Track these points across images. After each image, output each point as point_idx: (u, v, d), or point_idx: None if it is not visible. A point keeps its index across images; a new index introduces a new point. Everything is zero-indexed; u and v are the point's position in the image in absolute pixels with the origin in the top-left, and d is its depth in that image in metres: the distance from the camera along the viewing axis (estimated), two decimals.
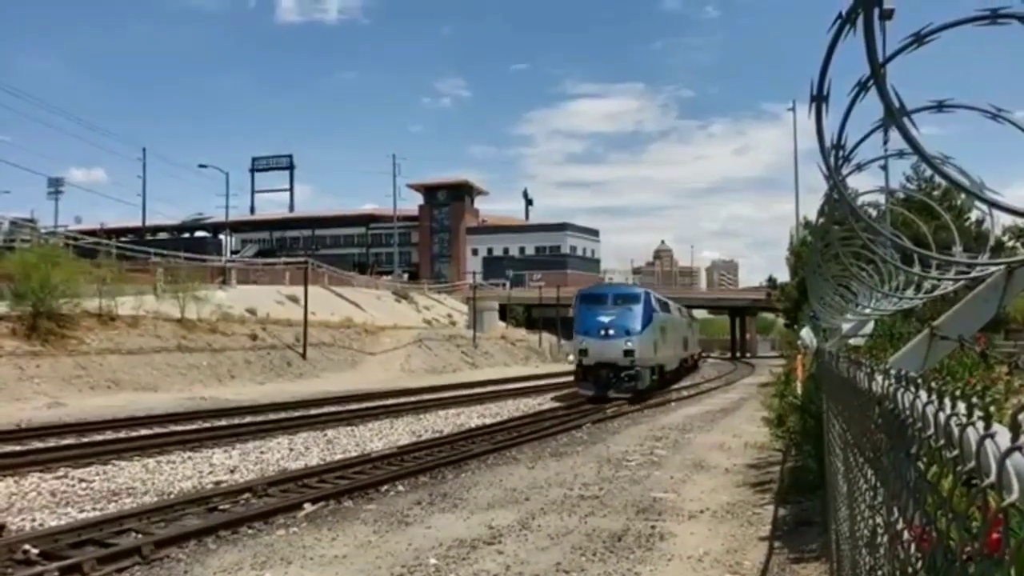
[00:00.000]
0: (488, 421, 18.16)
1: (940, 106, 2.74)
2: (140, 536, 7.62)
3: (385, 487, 10.04)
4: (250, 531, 7.93)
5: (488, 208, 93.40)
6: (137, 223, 66.16)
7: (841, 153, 2.95)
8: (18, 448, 13.48)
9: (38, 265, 26.13)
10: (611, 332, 23.24)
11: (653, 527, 7.55)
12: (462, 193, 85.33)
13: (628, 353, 23.07)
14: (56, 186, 76.52)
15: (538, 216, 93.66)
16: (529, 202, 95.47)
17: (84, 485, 10.61)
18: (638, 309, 24.01)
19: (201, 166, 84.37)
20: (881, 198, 5.43)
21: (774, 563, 6.31)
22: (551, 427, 16.32)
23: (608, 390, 22.64)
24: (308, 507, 8.85)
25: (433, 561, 6.46)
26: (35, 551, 7.02)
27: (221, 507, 8.97)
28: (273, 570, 6.31)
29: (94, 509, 9.27)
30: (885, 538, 1.84)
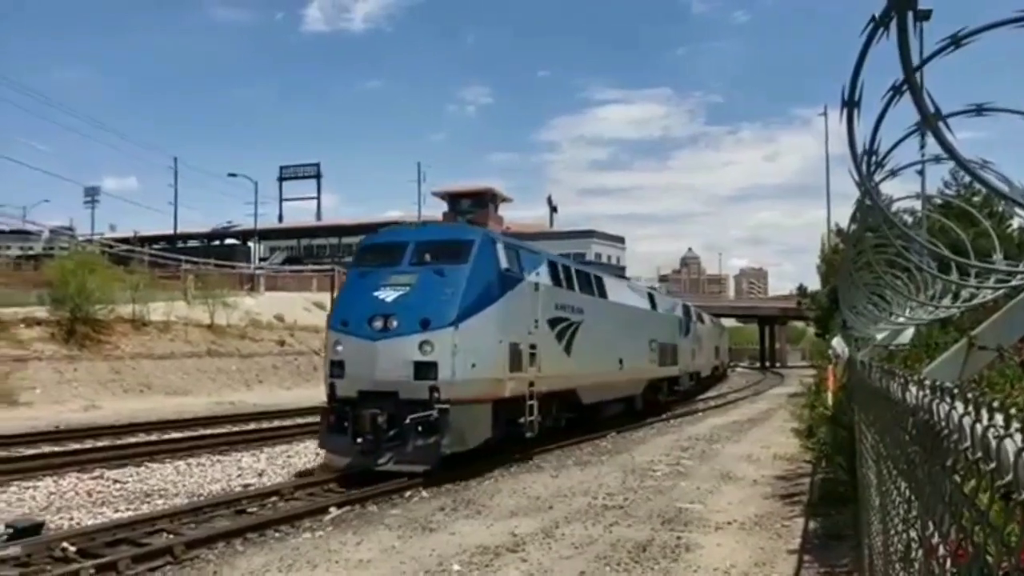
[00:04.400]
0: None
1: (979, 109, 2.67)
2: (171, 536, 7.73)
3: (408, 492, 10.05)
4: (277, 534, 7.99)
5: (513, 215, 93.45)
6: (168, 231, 67.11)
7: (874, 159, 2.90)
8: (57, 449, 13.79)
9: (75, 272, 26.66)
10: (394, 324, 11.02)
11: (679, 538, 7.47)
12: (486, 200, 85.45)
13: (425, 371, 10.82)
14: (92, 195, 77.98)
15: (563, 223, 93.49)
16: (554, 209, 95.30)
17: (118, 486, 10.78)
18: (464, 272, 11.44)
19: (231, 175, 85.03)
20: (918, 204, 5.35)
21: None
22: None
23: (383, 453, 10.72)
24: (333, 511, 8.88)
25: (456, 567, 6.45)
26: (72, 549, 7.17)
27: (249, 510, 9.06)
28: (299, 573, 6.33)
29: (128, 509, 9.43)
30: (920, 553, 1.79)
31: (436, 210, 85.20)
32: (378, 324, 11.08)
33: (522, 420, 12.52)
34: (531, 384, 12.74)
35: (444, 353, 10.87)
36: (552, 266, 14.75)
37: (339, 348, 11.40)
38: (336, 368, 11.38)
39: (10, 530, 7.71)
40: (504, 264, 12.33)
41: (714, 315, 48.70)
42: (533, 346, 12.88)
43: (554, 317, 14.12)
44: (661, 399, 23.36)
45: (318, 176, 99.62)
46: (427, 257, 11.91)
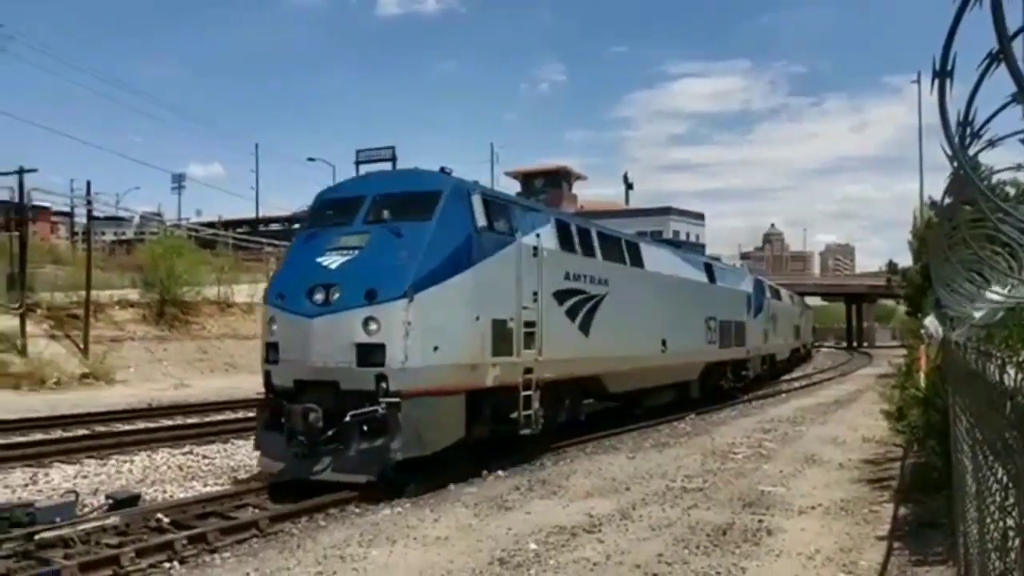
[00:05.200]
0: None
1: None
2: (257, 511, 8.02)
3: (484, 472, 10.13)
4: (357, 510, 8.19)
5: (588, 193, 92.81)
6: (251, 215, 69.24)
7: (968, 131, 2.71)
8: (151, 425, 14.56)
9: (164, 256, 27.94)
10: (336, 296, 9.01)
11: (760, 521, 7.29)
12: (560, 179, 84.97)
13: (370, 355, 8.80)
14: (179, 181, 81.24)
15: (639, 200, 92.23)
16: (629, 186, 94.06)
17: (207, 461, 11.28)
18: (427, 231, 9.38)
19: (310, 159, 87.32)
20: (1021, 176, 5.00)
21: (893, 564, 5.95)
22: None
23: (320, 459, 8.77)
24: (412, 488, 9.03)
25: (533, 546, 6.46)
26: (166, 520, 7.54)
27: None
28: (379, 548, 6.46)
29: (216, 484, 9.84)
30: (1018, 542, 1.67)
31: (509, 190, 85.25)
32: (319, 297, 8.98)
33: (515, 415, 10.34)
34: (528, 371, 10.56)
35: (394, 332, 8.66)
36: (561, 227, 12.32)
37: (274, 327, 9.46)
38: (271, 352, 9.44)
39: (110, 501, 8.14)
40: (482, 221, 9.91)
41: (798, 293, 47.33)
42: (531, 324, 10.64)
43: (564, 289, 11.83)
44: (725, 386, 20.67)
45: (393, 159, 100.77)
46: (385, 213, 9.78)
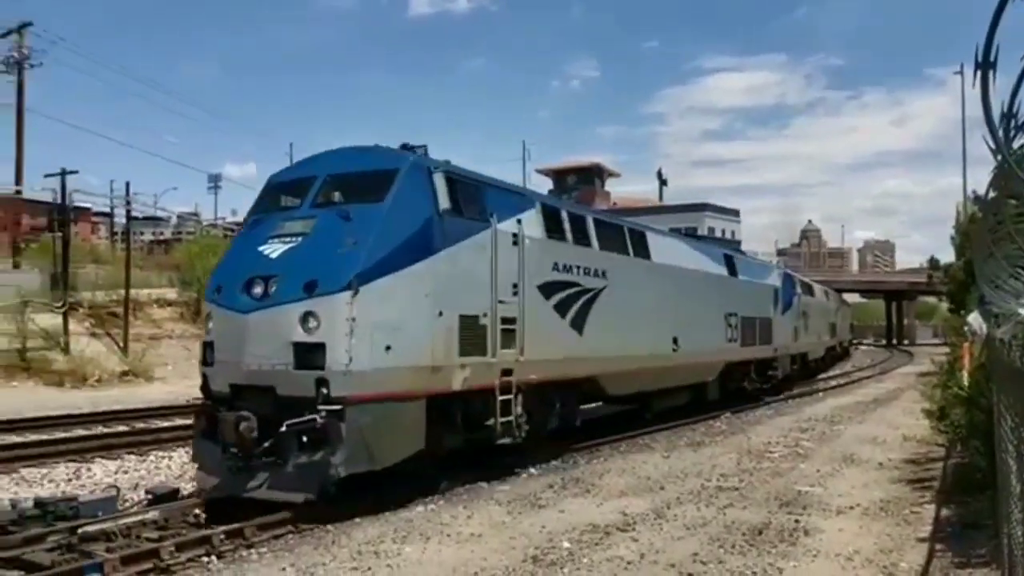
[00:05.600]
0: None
1: None
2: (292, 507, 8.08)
3: (517, 469, 10.12)
4: (391, 506, 8.23)
5: (621, 190, 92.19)
6: None
7: (1013, 123, 2.63)
8: (188, 422, 14.72)
9: (201, 255, 28.44)
10: (275, 288, 7.98)
11: (797, 521, 7.18)
12: (592, 176, 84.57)
13: (309, 355, 7.72)
14: (215, 181, 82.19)
15: (673, 197, 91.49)
16: (663, 182, 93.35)
17: None
18: (379, 214, 8.33)
19: None
20: None
21: (935, 567, 5.82)
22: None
23: (256, 473, 7.77)
24: (445, 485, 9.07)
25: (567, 545, 6.44)
26: (204, 515, 7.62)
27: None
28: (413, 545, 6.48)
29: None
30: None
31: (541, 188, 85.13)
32: (257, 290, 7.98)
33: (491, 422, 9.37)
34: (507, 372, 9.59)
35: (336, 330, 7.63)
36: (549, 213, 11.10)
37: (210, 325, 8.64)
38: (208, 352, 8.53)
39: (150, 496, 8.29)
40: (445, 203, 8.81)
41: (836, 290, 46.62)
42: (510, 320, 9.67)
43: (552, 281, 10.75)
44: (748, 387, 19.41)
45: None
46: (336, 196, 8.82)
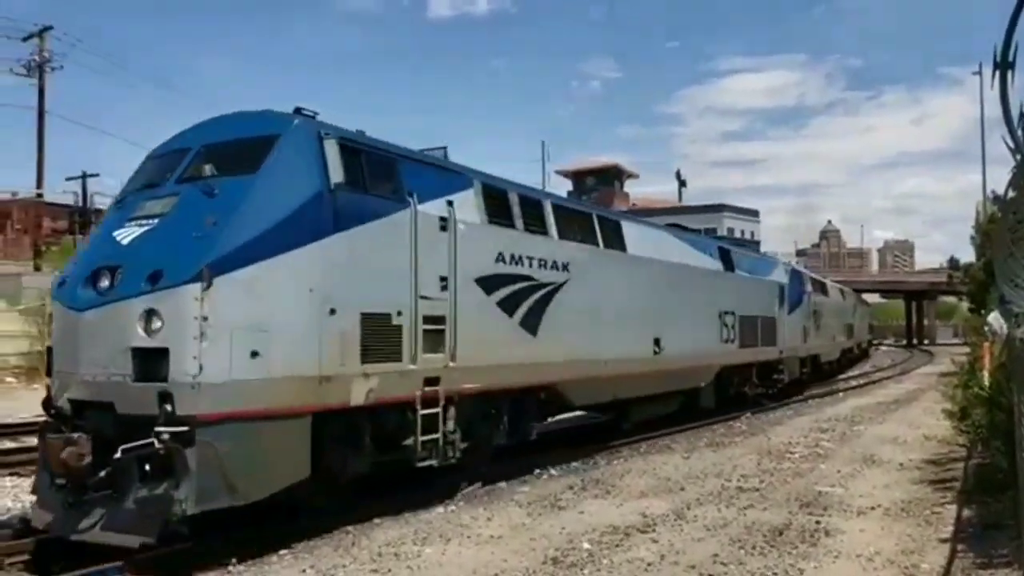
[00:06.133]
0: None
1: None
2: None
3: (537, 471, 10.15)
4: (411, 507, 8.28)
5: (639, 191, 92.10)
6: None
7: None
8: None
9: None
10: (118, 281, 6.44)
11: (818, 522, 7.17)
12: (611, 177, 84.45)
13: (151, 364, 6.20)
14: None
15: (691, 197, 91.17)
16: (682, 183, 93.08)
17: None
18: (248, 188, 6.77)
19: None
20: None
21: (957, 567, 5.80)
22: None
23: (92, 509, 6.28)
24: (465, 486, 9.12)
25: (586, 546, 6.46)
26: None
27: None
28: (433, 547, 6.54)
29: None
30: None
31: (561, 189, 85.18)
32: (104, 283, 6.54)
33: (409, 441, 8.02)
34: (431, 381, 8.24)
35: (182, 331, 6.17)
36: (492, 194, 9.63)
37: (53, 326, 7.39)
38: (49, 359, 7.14)
39: None
40: (339, 177, 7.27)
41: (855, 290, 46.25)
42: (436, 320, 8.30)
43: (496, 275, 9.36)
44: (749, 393, 18.02)
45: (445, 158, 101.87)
46: (207, 169, 7.15)
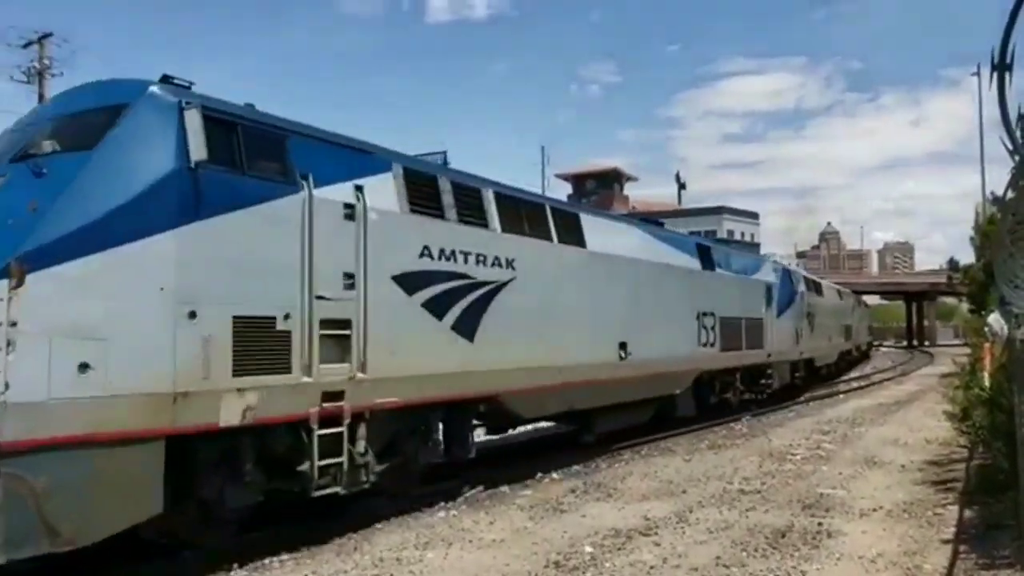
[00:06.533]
0: None
1: None
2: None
3: (539, 474, 10.15)
4: (413, 512, 8.29)
5: (639, 193, 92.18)
6: None
7: None
8: None
9: None
10: None
11: (820, 524, 7.17)
12: (611, 180, 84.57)
13: None
14: None
15: (693, 200, 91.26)
16: (682, 186, 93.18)
17: None
18: (81, 167, 5.76)
19: None
20: None
21: (959, 568, 5.81)
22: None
23: None
24: (467, 490, 9.12)
25: (589, 549, 6.47)
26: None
27: None
28: (435, 551, 6.54)
29: None
30: None
31: (561, 192, 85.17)
32: None
33: (306, 466, 6.91)
34: (333, 396, 7.12)
35: None
36: (414, 179, 8.39)
37: None
38: None
39: None
40: (202, 154, 6.16)
41: (856, 292, 46.19)
42: (339, 324, 7.25)
43: (419, 271, 8.17)
44: (732, 400, 16.86)
45: (445, 163, 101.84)
46: (46, 145, 6.13)
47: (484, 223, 9.33)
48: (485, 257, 9.12)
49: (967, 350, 21.82)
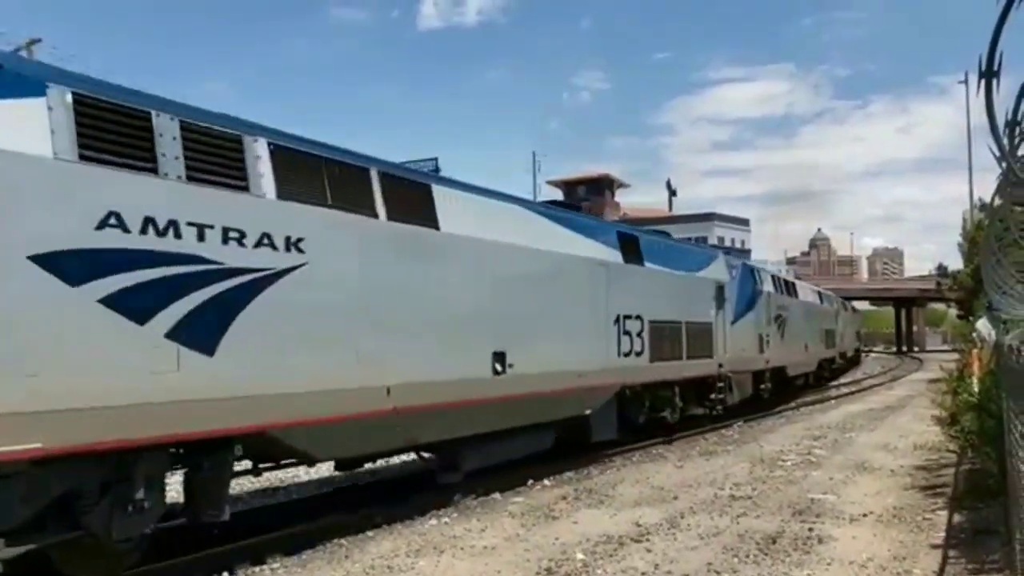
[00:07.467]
0: None
1: None
2: (307, 523, 8.12)
3: (531, 481, 10.13)
4: (404, 519, 8.26)
5: (630, 200, 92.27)
6: None
7: (1018, 130, 2.67)
8: None
9: None
10: None
11: (811, 529, 7.19)
12: (602, 187, 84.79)
13: None
14: None
15: (683, 207, 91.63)
16: (673, 192, 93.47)
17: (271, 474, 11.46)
18: None
19: None
20: None
21: (949, 573, 5.84)
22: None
23: None
24: (458, 497, 9.09)
25: (580, 556, 6.46)
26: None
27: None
28: (427, 559, 6.52)
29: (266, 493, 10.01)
30: None
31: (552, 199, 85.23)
32: None
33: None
34: None
35: None
36: (97, 109, 5.62)
37: None
38: None
39: None
40: None
41: (845, 298, 46.34)
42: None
43: (93, 250, 5.43)
44: (670, 419, 14.04)
45: (436, 171, 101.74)
46: None
47: (243, 185, 6.61)
48: (244, 234, 6.46)
49: (956, 356, 21.98)
